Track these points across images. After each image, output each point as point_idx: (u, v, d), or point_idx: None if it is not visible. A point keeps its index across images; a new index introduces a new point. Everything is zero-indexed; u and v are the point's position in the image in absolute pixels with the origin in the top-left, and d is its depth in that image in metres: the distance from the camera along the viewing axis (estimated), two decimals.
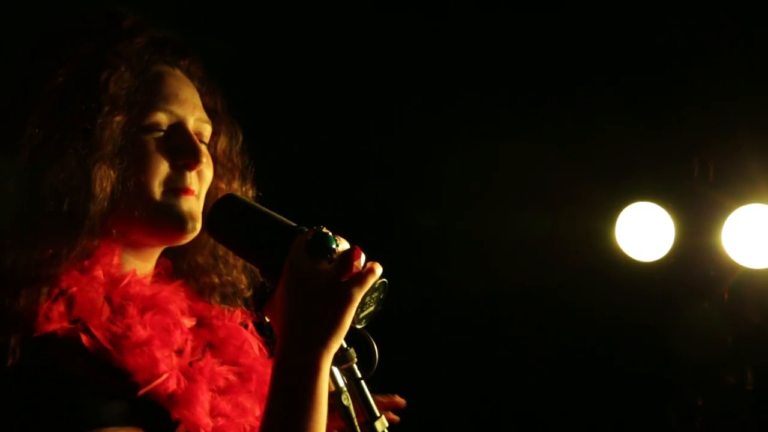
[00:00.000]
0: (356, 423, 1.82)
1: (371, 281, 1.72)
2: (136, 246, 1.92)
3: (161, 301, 1.89)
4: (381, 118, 4.39)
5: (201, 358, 1.91)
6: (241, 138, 2.10)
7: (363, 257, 1.74)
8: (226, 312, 2.06)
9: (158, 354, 1.79)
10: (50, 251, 1.77)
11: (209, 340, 1.99)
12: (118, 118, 1.82)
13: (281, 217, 1.85)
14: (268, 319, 1.84)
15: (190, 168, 1.91)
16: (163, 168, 1.88)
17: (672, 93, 4.26)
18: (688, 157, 4.28)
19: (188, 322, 1.95)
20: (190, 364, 1.88)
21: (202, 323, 2.02)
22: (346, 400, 1.83)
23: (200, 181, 1.94)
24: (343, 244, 1.77)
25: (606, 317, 4.51)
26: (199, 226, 1.92)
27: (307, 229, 1.79)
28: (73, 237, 1.78)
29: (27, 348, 1.70)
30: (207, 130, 1.99)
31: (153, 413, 1.76)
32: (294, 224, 1.84)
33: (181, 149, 1.90)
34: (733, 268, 4.21)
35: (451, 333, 4.71)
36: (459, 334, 4.74)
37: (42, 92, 1.81)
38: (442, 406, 4.55)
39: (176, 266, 2.05)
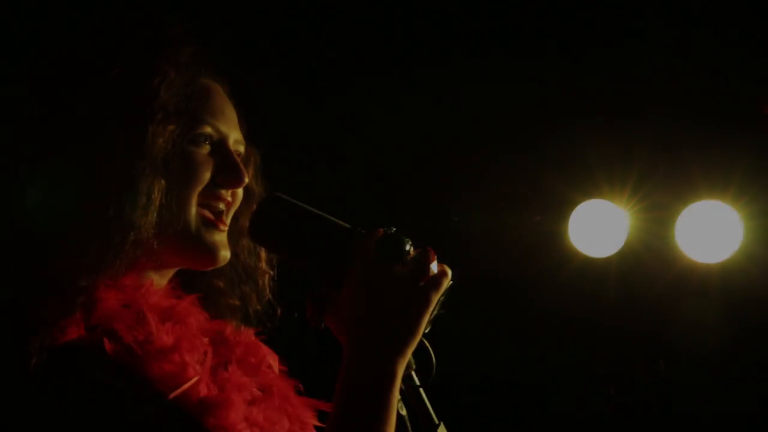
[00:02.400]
0: None
1: (446, 285, 1.67)
2: (159, 262, 1.83)
3: (180, 312, 1.80)
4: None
5: (225, 370, 1.81)
6: (258, 162, 2.03)
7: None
8: (241, 329, 1.97)
9: (187, 358, 1.70)
10: (88, 261, 1.66)
11: (227, 358, 1.89)
12: (170, 127, 1.75)
13: (333, 218, 1.77)
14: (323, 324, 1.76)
15: (231, 187, 1.85)
16: (203, 183, 1.81)
17: (624, 93, 4.31)
18: (639, 155, 4.34)
19: (204, 338, 1.85)
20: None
21: (216, 341, 1.91)
22: (402, 409, 1.76)
23: (233, 199, 1.88)
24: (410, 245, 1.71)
25: (548, 312, 4.55)
26: (229, 254, 1.87)
27: (364, 231, 1.72)
28: (117, 249, 1.69)
29: (47, 357, 1.59)
30: (242, 152, 1.93)
31: (183, 421, 1.66)
32: (348, 225, 1.76)
33: (226, 168, 1.84)
34: (683, 263, 4.30)
35: None
36: None
37: (89, 92, 1.72)
38: None
39: (193, 285, 1.94)
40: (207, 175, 1.81)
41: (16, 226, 1.70)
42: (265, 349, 1.97)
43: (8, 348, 1.61)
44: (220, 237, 1.85)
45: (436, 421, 1.77)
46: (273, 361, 1.97)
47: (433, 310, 1.68)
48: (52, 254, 1.65)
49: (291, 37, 4.16)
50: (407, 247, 1.67)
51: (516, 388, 4.73)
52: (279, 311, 2.01)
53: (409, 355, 1.66)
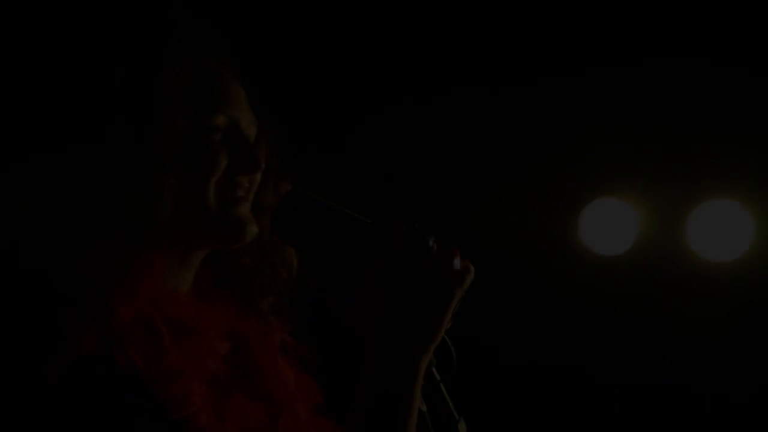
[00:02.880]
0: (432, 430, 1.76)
1: (469, 281, 1.67)
2: (183, 253, 1.80)
3: (198, 325, 1.75)
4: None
5: (232, 392, 1.76)
6: (270, 138, 1.97)
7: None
8: (266, 331, 1.92)
9: (193, 385, 1.65)
10: (101, 267, 1.63)
11: (244, 369, 1.85)
12: (180, 119, 1.71)
13: (354, 213, 1.77)
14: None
15: (247, 174, 1.81)
16: (219, 172, 1.77)
17: (634, 90, 4.31)
18: (650, 153, 4.34)
19: (223, 348, 1.80)
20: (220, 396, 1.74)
21: (239, 346, 1.87)
22: (423, 405, 1.76)
23: (251, 184, 1.84)
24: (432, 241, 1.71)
25: (556, 311, 4.55)
26: (256, 229, 1.82)
27: (386, 226, 1.72)
28: (132, 251, 1.65)
29: (62, 368, 1.56)
30: (254, 133, 1.88)
31: None
32: (369, 220, 1.75)
33: (241, 155, 1.79)
34: (693, 262, 4.30)
35: None
36: None
37: (91, 90, 1.68)
38: None
39: (221, 269, 1.91)
40: (223, 163, 1.77)
41: (23, 233, 1.66)
42: (283, 362, 1.92)
43: (24, 359, 1.58)
44: (245, 210, 1.80)
45: (457, 417, 1.77)
46: (291, 373, 1.92)
47: (455, 307, 1.68)
48: (63, 262, 1.62)
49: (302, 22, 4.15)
50: (430, 243, 1.67)
51: (523, 387, 4.73)
52: (311, 284, 1.94)
53: (431, 351, 1.65)
